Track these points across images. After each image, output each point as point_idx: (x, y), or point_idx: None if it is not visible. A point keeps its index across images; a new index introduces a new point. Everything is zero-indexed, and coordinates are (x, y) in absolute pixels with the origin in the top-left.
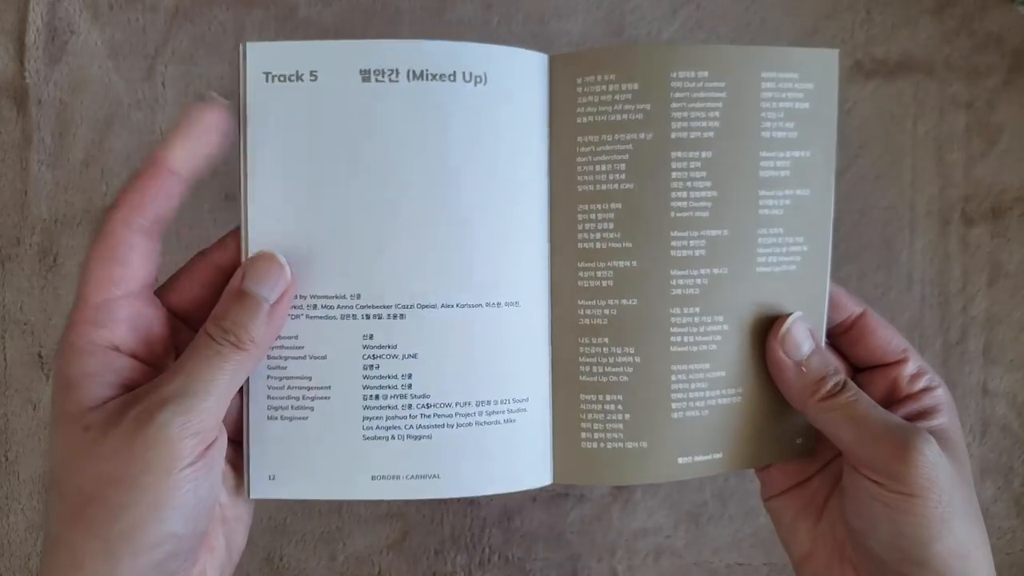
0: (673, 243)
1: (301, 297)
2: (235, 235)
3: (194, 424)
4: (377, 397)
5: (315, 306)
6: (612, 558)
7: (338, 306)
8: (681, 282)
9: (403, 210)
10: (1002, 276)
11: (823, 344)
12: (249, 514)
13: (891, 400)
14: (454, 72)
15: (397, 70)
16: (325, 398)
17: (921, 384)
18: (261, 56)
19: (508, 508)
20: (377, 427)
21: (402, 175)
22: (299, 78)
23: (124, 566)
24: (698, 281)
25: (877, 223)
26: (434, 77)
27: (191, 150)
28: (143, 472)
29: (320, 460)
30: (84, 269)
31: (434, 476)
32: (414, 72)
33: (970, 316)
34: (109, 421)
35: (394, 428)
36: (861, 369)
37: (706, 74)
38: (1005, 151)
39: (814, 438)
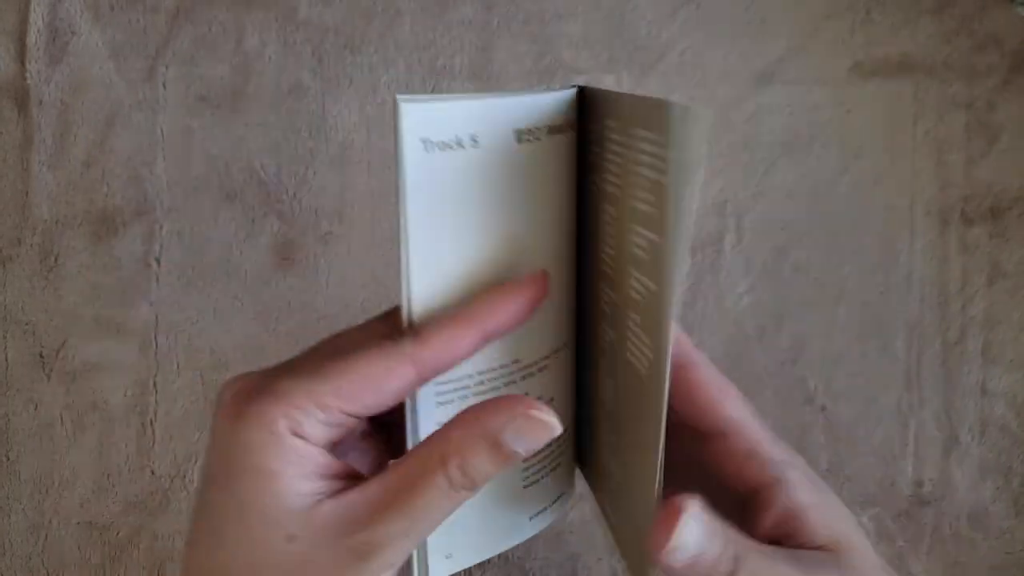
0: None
1: (469, 376)
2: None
3: (402, 559)
4: None
5: (482, 382)
6: (612, 558)
7: (501, 376)
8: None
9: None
10: (1001, 276)
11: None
12: None
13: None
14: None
15: (541, 127)
16: None
17: (766, 474)
18: (417, 120)
19: None
20: (533, 472)
21: (547, 232)
22: (460, 145)
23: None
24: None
25: (877, 223)
26: (564, 128)
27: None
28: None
29: (490, 522)
30: (340, 363)
31: (563, 495)
32: (552, 127)
33: (969, 316)
34: (322, 540)
35: (543, 468)
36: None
37: (612, 124)
38: (1005, 151)
39: None
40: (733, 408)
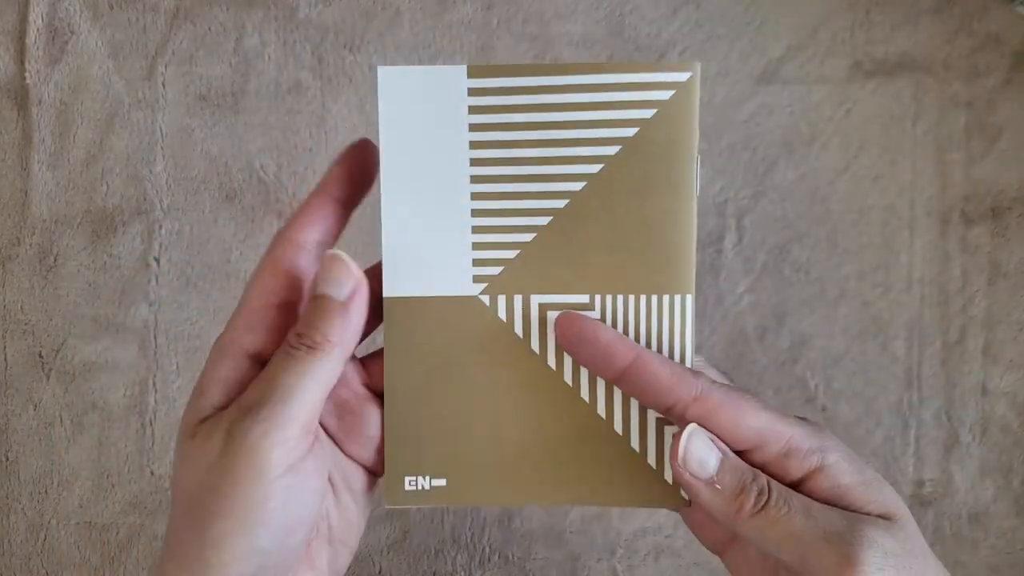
0: None
1: None
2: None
3: (278, 433)
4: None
5: None
6: (612, 558)
7: None
8: None
9: None
10: (1001, 276)
11: (728, 449)
12: (357, 538)
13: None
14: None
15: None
16: None
17: (806, 466)
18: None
19: (508, 508)
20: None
21: None
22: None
23: (214, 575)
24: None
25: (877, 223)
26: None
27: (351, 182)
28: (232, 483)
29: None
30: (250, 278)
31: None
32: None
33: (970, 316)
34: (208, 432)
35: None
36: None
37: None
38: (1005, 151)
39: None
40: (754, 419)
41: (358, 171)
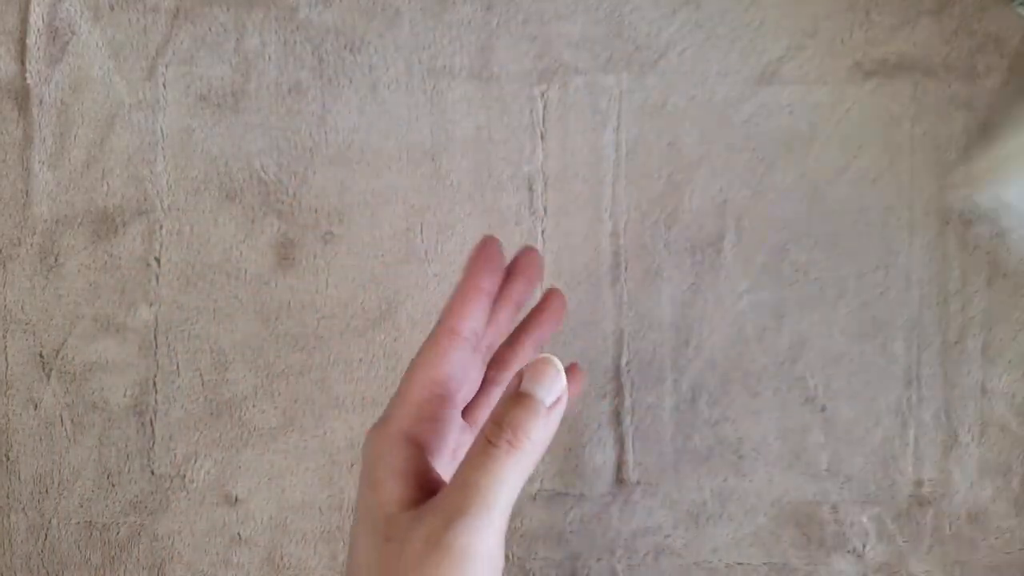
0: None
1: None
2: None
3: (482, 539)
4: None
5: None
6: (612, 558)
7: None
8: None
9: None
10: (1001, 276)
11: None
12: None
13: None
14: None
15: None
16: None
17: None
18: None
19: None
20: None
21: None
22: None
23: None
24: None
25: (876, 223)
26: None
27: (494, 273)
28: None
29: None
30: (412, 367)
31: None
32: None
33: (969, 316)
34: (406, 536)
35: None
36: None
37: None
38: None
39: None
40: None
41: (496, 263)
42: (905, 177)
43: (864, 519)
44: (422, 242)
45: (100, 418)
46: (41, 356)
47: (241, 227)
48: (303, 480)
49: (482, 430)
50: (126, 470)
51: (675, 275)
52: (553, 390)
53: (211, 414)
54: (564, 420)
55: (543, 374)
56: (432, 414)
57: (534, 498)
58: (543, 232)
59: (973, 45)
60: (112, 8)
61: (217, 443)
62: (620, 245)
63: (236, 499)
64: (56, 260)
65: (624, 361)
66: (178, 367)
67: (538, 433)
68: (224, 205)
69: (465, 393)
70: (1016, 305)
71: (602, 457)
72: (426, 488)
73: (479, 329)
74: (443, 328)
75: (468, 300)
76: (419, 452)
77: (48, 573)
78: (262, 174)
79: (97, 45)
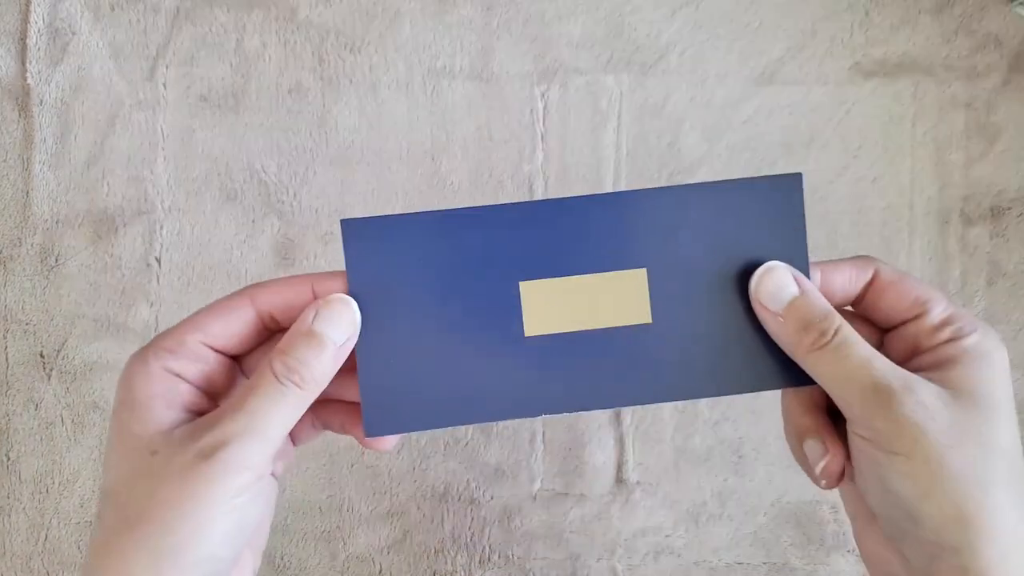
0: None
1: None
2: (290, 283)
3: (252, 460)
4: None
5: None
6: (612, 557)
7: None
8: None
9: None
10: (1001, 276)
11: (812, 287)
12: (269, 524)
13: (911, 356)
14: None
15: None
16: None
17: (944, 335)
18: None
19: (508, 508)
20: None
21: None
22: None
23: None
24: None
25: (876, 223)
26: None
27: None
28: (199, 500)
29: None
30: (194, 314)
31: None
32: None
33: None
34: (175, 449)
35: None
36: (888, 330)
37: None
38: (1004, 151)
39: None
40: (925, 288)
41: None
42: (905, 177)
43: None
44: None
45: (100, 418)
46: (41, 356)
47: (241, 227)
48: (303, 480)
49: (270, 360)
50: None
51: None
52: (345, 330)
53: None
54: (564, 420)
55: (337, 314)
56: (193, 354)
57: (534, 498)
58: None
59: (973, 45)
60: (113, 8)
61: None
62: None
63: None
64: (56, 260)
65: None
66: None
67: (325, 374)
68: (224, 205)
69: (240, 342)
70: (1016, 305)
71: (602, 457)
72: (191, 411)
73: (284, 321)
74: (250, 288)
75: (290, 284)
76: (178, 380)
77: (48, 573)
78: (262, 174)
79: (98, 45)
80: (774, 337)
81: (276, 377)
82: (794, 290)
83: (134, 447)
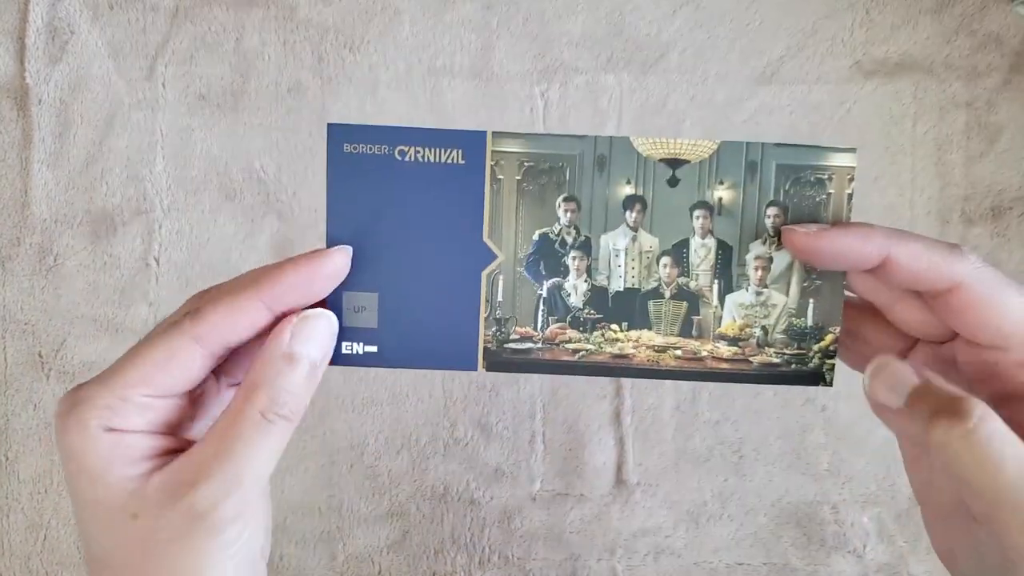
0: None
1: None
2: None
3: (248, 506)
4: None
5: None
6: (612, 558)
7: None
8: None
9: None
10: None
11: (931, 374)
12: (270, 530)
13: (985, 379)
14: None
15: None
16: None
17: None
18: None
19: (508, 508)
20: None
21: None
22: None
23: None
24: None
25: (876, 222)
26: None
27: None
28: (203, 559)
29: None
30: (133, 356)
31: None
32: None
33: None
34: (159, 511)
35: None
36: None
37: None
38: (1004, 151)
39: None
40: (1014, 314)
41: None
42: (906, 177)
43: (865, 519)
44: None
45: None
46: (40, 356)
47: (241, 227)
48: (303, 480)
49: (244, 393)
50: None
51: None
52: (326, 345)
53: None
54: (564, 420)
55: (317, 331)
56: (153, 405)
57: (534, 499)
58: None
59: (973, 45)
60: (112, 8)
61: None
62: None
63: None
64: (55, 260)
65: None
66: None
67: (308, 399)
68: (223, 205)
69: (192, 381)
70: None
71: (602, 457)
72: (155, 456)
73: (238, 342)
74: (189, 333)
75: (237, 313)
76: (128, 435)
77: (47, 573)
78: (262, 174)
79: (97, 45)
80: (896, 432)
81: (262, 415)
82: (909, 382)
83: (109, 515)
